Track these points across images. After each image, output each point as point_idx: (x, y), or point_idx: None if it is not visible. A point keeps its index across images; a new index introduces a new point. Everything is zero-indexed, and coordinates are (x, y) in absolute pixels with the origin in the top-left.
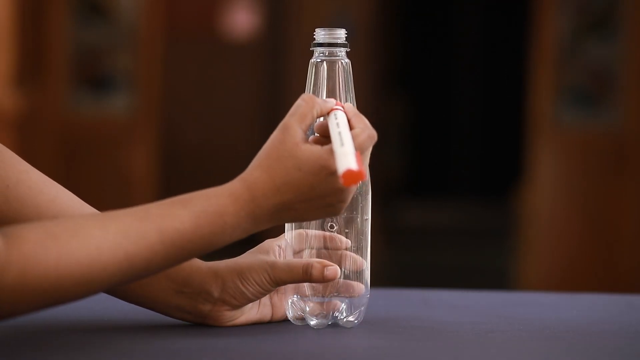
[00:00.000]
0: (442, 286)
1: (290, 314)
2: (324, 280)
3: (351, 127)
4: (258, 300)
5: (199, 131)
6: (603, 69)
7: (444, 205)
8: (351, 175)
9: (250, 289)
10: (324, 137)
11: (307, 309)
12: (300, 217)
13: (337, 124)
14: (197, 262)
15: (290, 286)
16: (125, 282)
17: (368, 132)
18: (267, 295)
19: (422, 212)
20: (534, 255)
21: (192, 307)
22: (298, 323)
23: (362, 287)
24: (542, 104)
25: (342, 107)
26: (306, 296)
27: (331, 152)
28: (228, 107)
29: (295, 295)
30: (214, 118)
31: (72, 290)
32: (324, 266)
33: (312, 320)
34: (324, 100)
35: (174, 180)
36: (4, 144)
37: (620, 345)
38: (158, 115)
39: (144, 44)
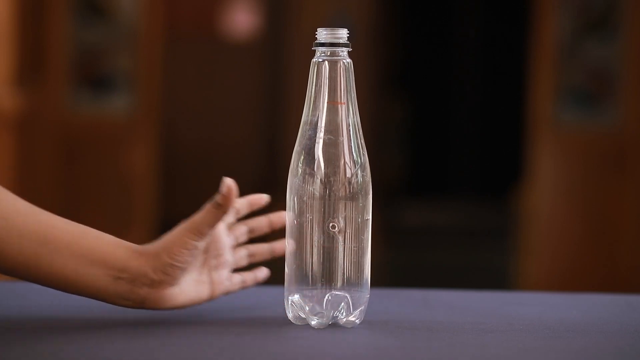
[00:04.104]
0: (442, 286)
1: (290, 314)
2: (228, 196)
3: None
4: (196, 279)
5: (199, 131)
6: (603, 69)
7: (444, 205)
8: None
9: (178, 257)
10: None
11: (307, 308)
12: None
13: None
14: (131, 246)
15: (229, 260)
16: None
17: None
18: (206, 273)
19: (422, 212)
20: (534, 255)
21: (130, 291)
22: (298, 323)
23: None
24: (542, 104)
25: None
26: (306, 296)
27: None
28: (228, 107)
29: (295, 295)
30: (213, 118)
31: None
32: (222, 187)
33: (312, 320)
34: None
35: (174, 179)
36: (3, 143)
37: (620, 345)
38: (158, 115)
39: (144, 44)
